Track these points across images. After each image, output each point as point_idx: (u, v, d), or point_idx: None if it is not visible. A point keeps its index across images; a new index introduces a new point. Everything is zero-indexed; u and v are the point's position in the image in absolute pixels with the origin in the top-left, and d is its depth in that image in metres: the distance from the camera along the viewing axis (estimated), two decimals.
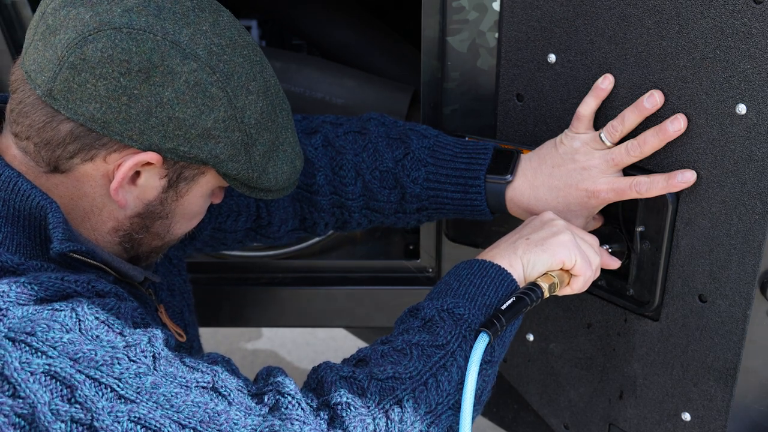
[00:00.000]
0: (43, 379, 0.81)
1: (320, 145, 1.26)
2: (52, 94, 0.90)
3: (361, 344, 2.44)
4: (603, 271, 1.19)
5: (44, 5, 0.93)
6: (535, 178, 1.17)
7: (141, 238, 1.03)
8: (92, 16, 0.88)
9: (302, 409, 0.90)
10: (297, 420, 0.88)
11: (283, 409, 0.90)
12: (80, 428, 0.82)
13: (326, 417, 0.91)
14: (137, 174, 0.96)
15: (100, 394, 0.82)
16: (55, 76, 0.89)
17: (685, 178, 1.08)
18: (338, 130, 1.28)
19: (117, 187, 0.95)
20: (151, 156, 0.92)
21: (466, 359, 0.98)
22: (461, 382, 0.98)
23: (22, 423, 0.82)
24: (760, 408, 1.21)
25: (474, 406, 0.99)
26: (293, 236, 1.37)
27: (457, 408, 0.98)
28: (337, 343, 3.16)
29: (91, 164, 0.94)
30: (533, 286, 1.03)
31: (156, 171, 0.96)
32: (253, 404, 0.90)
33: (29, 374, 0.81)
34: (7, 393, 0.81)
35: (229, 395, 0.89)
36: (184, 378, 0.88)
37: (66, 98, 0.89)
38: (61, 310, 0.85)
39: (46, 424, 0.81)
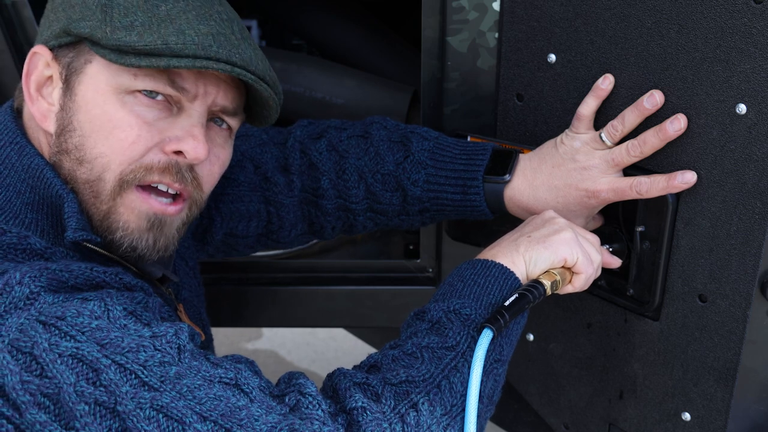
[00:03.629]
0: (70, 361, 0.83)
1: (325, 149, 1.27)
2: (42, 37, 1.01)
3: (361, 344, 2.44)
4: (603, 270, 1.19)
5: None
6: (534, 178, 1.17)
7: (71, 170, 0.98)
8: None
9: (322, 410, 0.90)
10: (317, 420, 0.89)
11: (303, 409, 0.90)
12: (103, 411, 0.83)
13: (343, 422, 0.91)
14: (45, 84, 1.01)
15: (125, 379, 0.83)
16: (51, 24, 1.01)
17: (686, 178, 1.08)
18: (342, 134, 1.28)
19: (31, 97, 1.01)
20: (39, 48, 1.00)
21: None
22: None
23: (47, 403, 0.83)
24: (760, 408, 1.21)
25: (487, 406, 0.99)
26: (303, 240, 1.38)
27: None
28: (337, 343, 3.16)
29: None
30: (535, 284, 1.03)
31: (53, 72, 1.00)
32: (274, 404, 0.90)
33: (57, 356, 0.83)
34: (35, 372, 0.83)
35: (251, 393, 0.89)
36: (208, 372, 0.88)
37: (42, 34, 1.01)
38: (90, 300, 0.87)
39: (71, 404, 0.82)
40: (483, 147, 1.21)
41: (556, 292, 1.06)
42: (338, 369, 0.99)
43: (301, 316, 1.70)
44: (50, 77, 1.00)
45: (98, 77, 0.96)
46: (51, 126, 0.99)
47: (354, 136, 1.28)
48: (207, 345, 1.24)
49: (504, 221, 1.28)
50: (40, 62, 1.00)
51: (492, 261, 1.05)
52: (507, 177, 1.18)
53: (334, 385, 0.96)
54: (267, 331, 3.27)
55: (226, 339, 3.22)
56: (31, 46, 1.46)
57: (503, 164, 1.19)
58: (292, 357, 3.14)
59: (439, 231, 1.53)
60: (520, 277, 1.05)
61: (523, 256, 1.05)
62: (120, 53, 0.92)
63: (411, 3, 1.89)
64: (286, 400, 0.92)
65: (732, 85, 1.01)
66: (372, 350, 2.26)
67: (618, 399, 1.31)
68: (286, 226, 1.32)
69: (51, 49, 0.99)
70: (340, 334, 3.10)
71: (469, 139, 1.29)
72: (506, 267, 1.04)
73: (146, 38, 0.92)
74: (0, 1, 1.43)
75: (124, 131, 0.96)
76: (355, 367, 1.02)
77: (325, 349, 3.15)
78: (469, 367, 0.98)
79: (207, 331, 1.29)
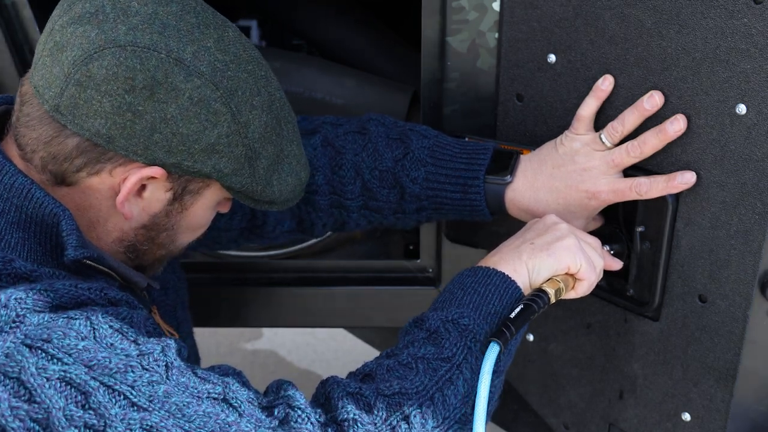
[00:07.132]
0: (59, 385, 0.82)
1: (319, 144, 1.26)
2: (59, 109, 0.91)
3: (361, 344, 2.44)
4: (603, 272, 1.19)
5: (53, 22, 0.94)
6: (535, 179, 1.17)
7: (145, 249, 1.04)
8: (98, 33, 0.90)
9: (311, 423, 0.91)
10: None
11: (292, 423, 0.90)
12: None
13: None
14: (143, 187, 0.97)
15: (114, 401, 0.83)
16: (62, 92, 0.90)
17: (685, 179, 1.08)
18: (338, 130, 1.28)
19: (123, 200, 0.96)
20: (156, 171, 0.94)
21: (472, 371, 0.98)
22: (467, 395, 0.98)
23: (37, 428, 0.82)
24: (760, 408, 1.21)
25: None
26: (290, 237, 1.38)
27: (464, 422, 0.98)
28: (337, 343, 3.16)
29: (97, 178, 0.95)
30: (540, 292, 1.02)
31: (161, 184, 0.97)
32: (264, 417, 0.90)
33: (45, 380, 0.82)
34: (23, 398, 0.82)
35: (240, 407, 0.89)
36: (196, 388, 0.88)
37: (72, 114, 0.91)
38: (76, 319, 0.86)
39: (60, 429, 0.82)
40: (484, 147, 1.21)
41: (559, 299, 1.06)
42: (332, 377, 0.99)
43: (301, 316, 1.70)
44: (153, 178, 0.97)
45: (211, 197, 1.03)
46: (136, 218, 1.00)
47: (351, 132, 1.27)
48: (184, 342, 1.23)
49: (502, 222, 1.28)
50: (158, 184, 0.97)
51: (494, 269, 1.04)
52: (509, 178, 1.18)
53: (327, 394, 0.96)
54: (267, 331, 3.27)
55: (226, 339, 3.22)
56: (31, 46, 1.47)
57: (504, 165, 1.19)
58: (292, 357, 3.14)
59: (439, 231, 1.53)
60: (522, 286, 1.04)
61: (526, 264, 1.05)
62: (254, 201, 1.02)
63: (411, 3, 1.89)
64: (275, 413, 0.92)
65: (732, 85, 1.01)
66: (372, 350, 2.26)
67: (618, 399, 1.31)
68: (271, 222, 1.32)
69: (163, 167, 0.95)
70: (340, 334, 3.10)
71: (466, 139, 1.29)
72: (507, 276, 1.03)
73: (273, 190, 1.02)
74: (0, 1, 1.43)
75: (207, 226, 1.10)
76: (349, 375, 1.02)
77: (325, 349, 3.15)
78: (464, 379, 0.98)
79: (183, 328, 1.28)
